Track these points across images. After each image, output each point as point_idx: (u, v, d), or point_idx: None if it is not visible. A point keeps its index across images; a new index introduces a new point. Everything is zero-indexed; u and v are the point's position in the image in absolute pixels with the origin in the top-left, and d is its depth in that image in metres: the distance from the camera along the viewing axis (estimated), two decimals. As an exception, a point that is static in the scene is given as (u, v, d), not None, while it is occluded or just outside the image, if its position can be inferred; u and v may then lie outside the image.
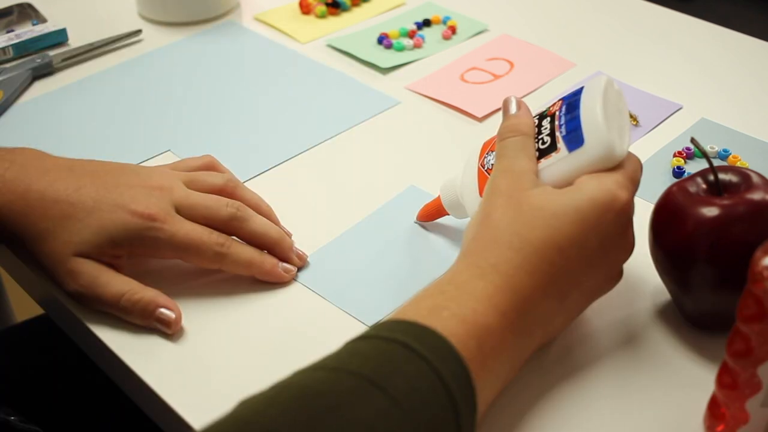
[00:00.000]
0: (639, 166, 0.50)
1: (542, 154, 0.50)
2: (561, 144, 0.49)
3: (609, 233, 0.47)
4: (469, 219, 0.55)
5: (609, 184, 0.47)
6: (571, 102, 0.50)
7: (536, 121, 0.52)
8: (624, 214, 0.48)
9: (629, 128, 0.51)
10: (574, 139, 0.49)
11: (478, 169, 0.54)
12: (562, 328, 0.50)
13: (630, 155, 0.50)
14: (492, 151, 0.53)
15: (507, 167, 0.50)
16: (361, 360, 0.40)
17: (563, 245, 0.46)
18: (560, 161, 0.49)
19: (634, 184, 0.49)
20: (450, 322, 0.42)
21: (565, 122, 0.50)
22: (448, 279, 0.46)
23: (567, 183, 0.49)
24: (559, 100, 0.52)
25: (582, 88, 0.51)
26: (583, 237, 0.46)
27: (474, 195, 0.54)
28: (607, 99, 0.50)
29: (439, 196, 0.59)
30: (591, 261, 0.47)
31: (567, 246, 0.46)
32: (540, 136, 0.51)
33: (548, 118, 0.51)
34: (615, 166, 0.49)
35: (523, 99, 0.77)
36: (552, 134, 0.50)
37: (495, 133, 0.54)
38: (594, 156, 0.48)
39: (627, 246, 0.50)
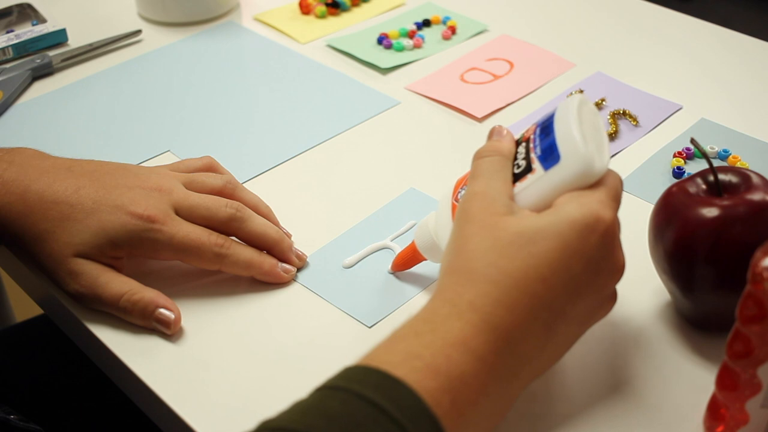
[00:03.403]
0: (620, 183, 0.47)
1: (517, 177, 0.48)
2: (536, 164, 0.47)
3: (594, 257, 0.44)
4: None
5: (591, 204, 0.44)
6: (545, 123, 0.48)
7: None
8: (609, 234, 0.44)
9: (608, 145, 0.49)
10: (550, 157, 0.46)
11: (452, 204, 0.52)
12: (552, 362, 0.46)
13: (610, 171, 0.47)
14: (466, 185, 0.50)
15: (480, 190, 0.46)
16: (327, 422, 0.37)
17: (545, 274, 0.43)
18: (537, 181, 0.46)
19: (617, 202, 0.46)
20: (423, 374, 0.39)
21: (539, 142, 0.47)
22: (424, 317, 0.43)
23: (546, 205, 0.46)
24: (533, 125, 0.50)
25: (555, 109, 0.48)
26: (566, 263, 0.43)
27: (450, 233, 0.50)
28: (582, 116, 0.47)
29: (413, 242, 0.55)
30: (577, 289, 0.44)
31: (549, 275, 0.43)
32: (515, 162, 0.48)
33: (523, 144, 0.49)
34: (595, 184, 0.45)
35: (523, 99, 0.77)
36: (527, 157, 0.48)
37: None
38: (572, 172, 0.45)
39: (616, 268, 0.46)
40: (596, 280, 0.45)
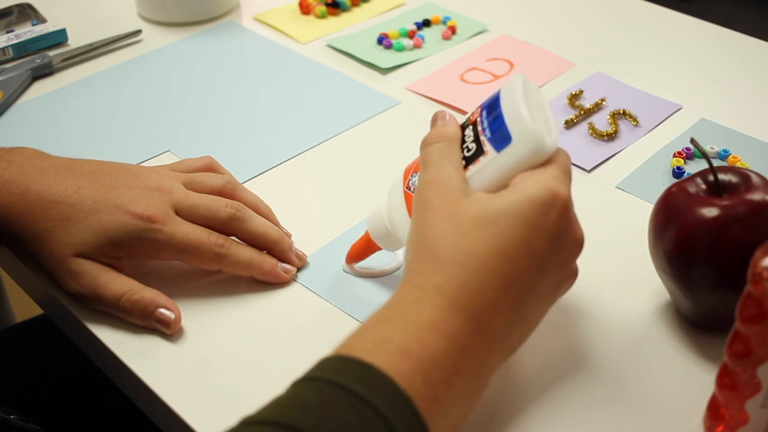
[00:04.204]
0: (569, 159, 0.48)
1: (469, 161, 0.48)
2: (488, 146, 0.47)
3: (555, 232, 0.45)
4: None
5: (547, 181, 0.45)
6: (491, 105, 0.48)
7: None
8: (566, 209, 0.45)
9: (554, 122, 0.49)
10: (500, 138, 0.46)
11: (404, 192, 0.52)
12: (524, 339, 0.47)
13: (558, 149, 0.47)
14: (416, 173, 0.51)
15: (433, 177, 0.47)
16: (304, 412, 0.38)
17: (509, 253, 0.43)
18: (490, 164, 0.47)
19: (569, 177, 0.47)
20: (394, 357, 0.40)
21: (488, 125, 0.47)
22: (394, 304, 0.43)
23: (501, 185, 0.46)
24: (478, 108, 0.49)
25: (499, 91, 0.48)
26: (528, 240, 0.44)
27: (405, 220, 0.51)
28: (527, 95, 0.47)
29: (367, 232, 0.55)
30: (541, 264, 0.45)
31: (513, 253, 0.43)
32: (464, 145, 0.48)
33: (470, 127, 0.49)
34: (546, 161, 0.46)
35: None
36: (477, 140, 0.48)
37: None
38: (524, 152, 0.46)
39: (575, 242, 0.47)
40: (558, 255, 0.46)
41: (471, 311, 0.42)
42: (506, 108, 0.47)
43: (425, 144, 0.49)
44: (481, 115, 0.49)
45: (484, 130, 0.48)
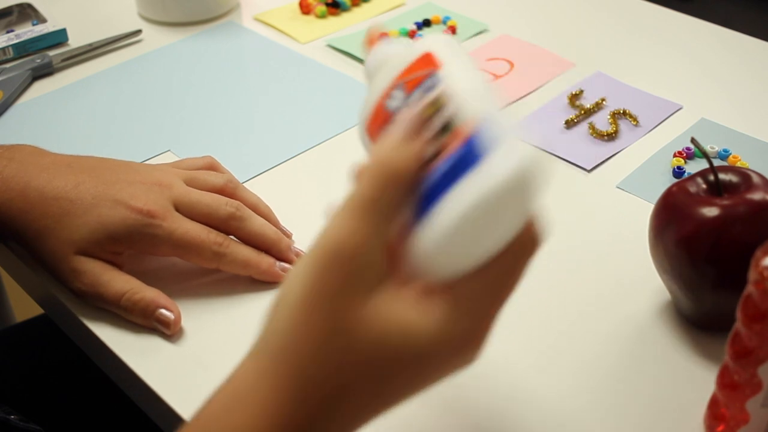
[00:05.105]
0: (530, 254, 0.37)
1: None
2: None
3: (459, 368, 0.37)
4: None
5: (484, 324, 0.36)
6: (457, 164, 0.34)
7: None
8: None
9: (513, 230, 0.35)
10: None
11: (378, 104, 0.40)
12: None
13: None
14: (404, 90, 0.38)
15: (347, 250, 0.34)
16: None
17: (389, 393, 0.36)
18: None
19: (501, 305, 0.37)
20: None
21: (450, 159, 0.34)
22: (237, 396, 0.38)
23: None
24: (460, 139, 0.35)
25: (481, 157, 0.34)
26: (424, 378, 0.36)
27: (361, 130, 0.40)
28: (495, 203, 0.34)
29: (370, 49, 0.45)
30: (424, 388, 0.37)
31: (394, 391, 0.36)
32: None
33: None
34: (505, 280, 0.36)
35: (523, 99, 0.77)
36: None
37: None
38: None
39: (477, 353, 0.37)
40: (451, 374, 0.38)
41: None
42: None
43: (369, 178, 0.36)
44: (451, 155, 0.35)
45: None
